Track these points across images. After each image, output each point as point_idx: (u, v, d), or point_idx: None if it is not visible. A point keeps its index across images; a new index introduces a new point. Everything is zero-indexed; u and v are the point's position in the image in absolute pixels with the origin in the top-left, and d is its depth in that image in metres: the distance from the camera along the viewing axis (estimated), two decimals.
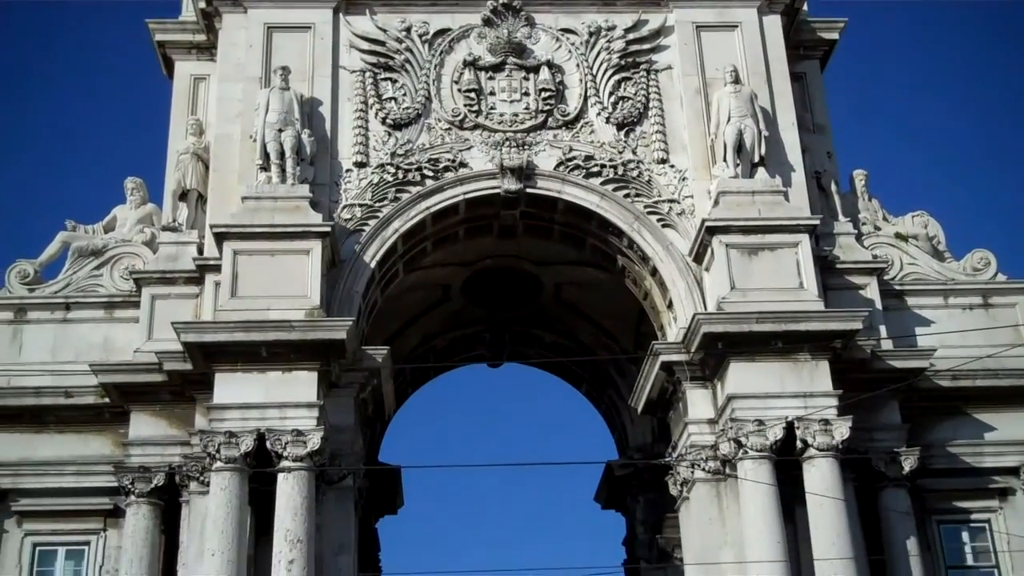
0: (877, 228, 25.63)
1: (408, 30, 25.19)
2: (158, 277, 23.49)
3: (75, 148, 66.22)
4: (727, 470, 21.95)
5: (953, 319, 24.48)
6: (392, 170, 23.99)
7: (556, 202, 24.30)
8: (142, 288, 23.46)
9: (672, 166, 24.39)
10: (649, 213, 24.03)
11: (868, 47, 64.67)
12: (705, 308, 22.79)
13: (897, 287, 24.71)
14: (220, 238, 22.50)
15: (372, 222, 23.55)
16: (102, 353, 23.19)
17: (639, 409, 25.19)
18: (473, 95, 24.64)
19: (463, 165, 24.20)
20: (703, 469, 22.29)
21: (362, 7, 25.30)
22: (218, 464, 20.69)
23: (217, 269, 22.48)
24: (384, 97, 24.66)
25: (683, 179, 24.26)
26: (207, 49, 25.94)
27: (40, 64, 64.81)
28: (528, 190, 24.09)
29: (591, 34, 25.32)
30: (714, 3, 25.57)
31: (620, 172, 24.25)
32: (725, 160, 23.69)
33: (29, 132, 64.49)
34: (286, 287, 22.01)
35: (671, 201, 24.10)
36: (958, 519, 23.47)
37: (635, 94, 24.96)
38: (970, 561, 23.30)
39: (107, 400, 22.63)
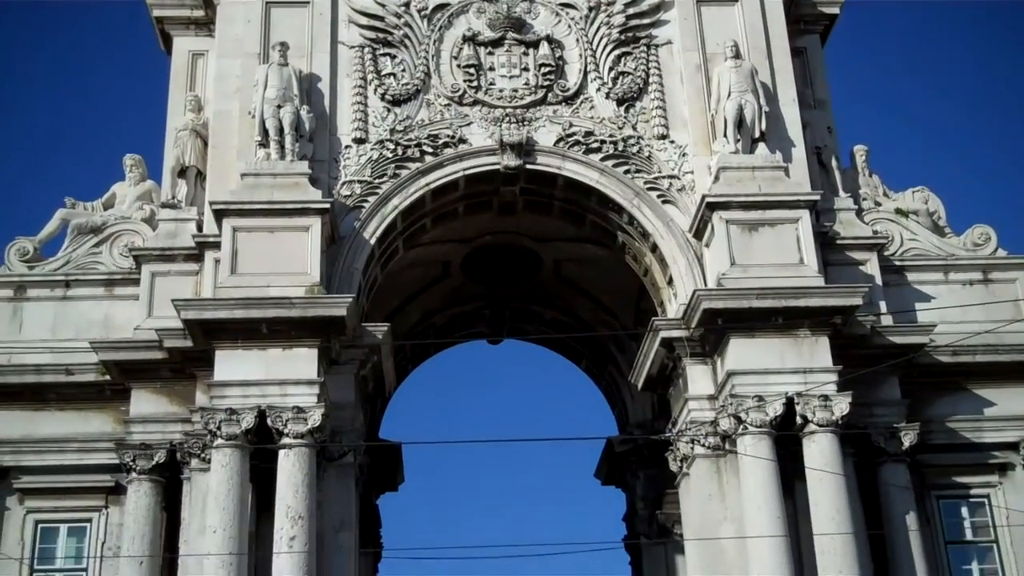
0: (877, 204, 25.56)
1: (407, 5, 25.05)
2: (157, 254, 23.47)
3: (74, 125, 66.24)
4: (727, 446, 21.97)
5: (953, 294, 24.45)
6: (391, 146, 23.92)
7: (556, 178, 24.24)
8: (142, 265, 23.44)
9: (672, 142, 24.32)
10: (649, 189, 23.97)
11: (869, 22, 64.32)
12: (705, 284, 22.78)
13: (897, 263, 24.67)
14: (219, 215, 22.46)
15: (371, 199, 23.50)
16: (102, 330, 23.20)
17: (639, 385, 25.21)
18: (472, 71, 24.54)
19: (462, 141, 24.12)
20: (703, 445, 22.32)
21: None
22: (219, 441, 20.72)
23: (217, 246, 22.46)
24: (383, 73, 24.56)
25: (683, 155, 24.19)
26: (205, 25, 25.79)
27: (38, 40, 64.64)
28: (528, 166, 24.02)
29: (591, 9, 25.18)
30: None
31: (620, 148, 24.17)
32: (725, 136, 23.62)
33: (28, 109, 64.40)
34: (286, 264, 22.00)
35: (671, 177, 24.04)
36: (957, 494, 23.51)
37: (635, 69, 24.86)
38: (969, 536, 23.35)
39: (108, 377, 22.64)
